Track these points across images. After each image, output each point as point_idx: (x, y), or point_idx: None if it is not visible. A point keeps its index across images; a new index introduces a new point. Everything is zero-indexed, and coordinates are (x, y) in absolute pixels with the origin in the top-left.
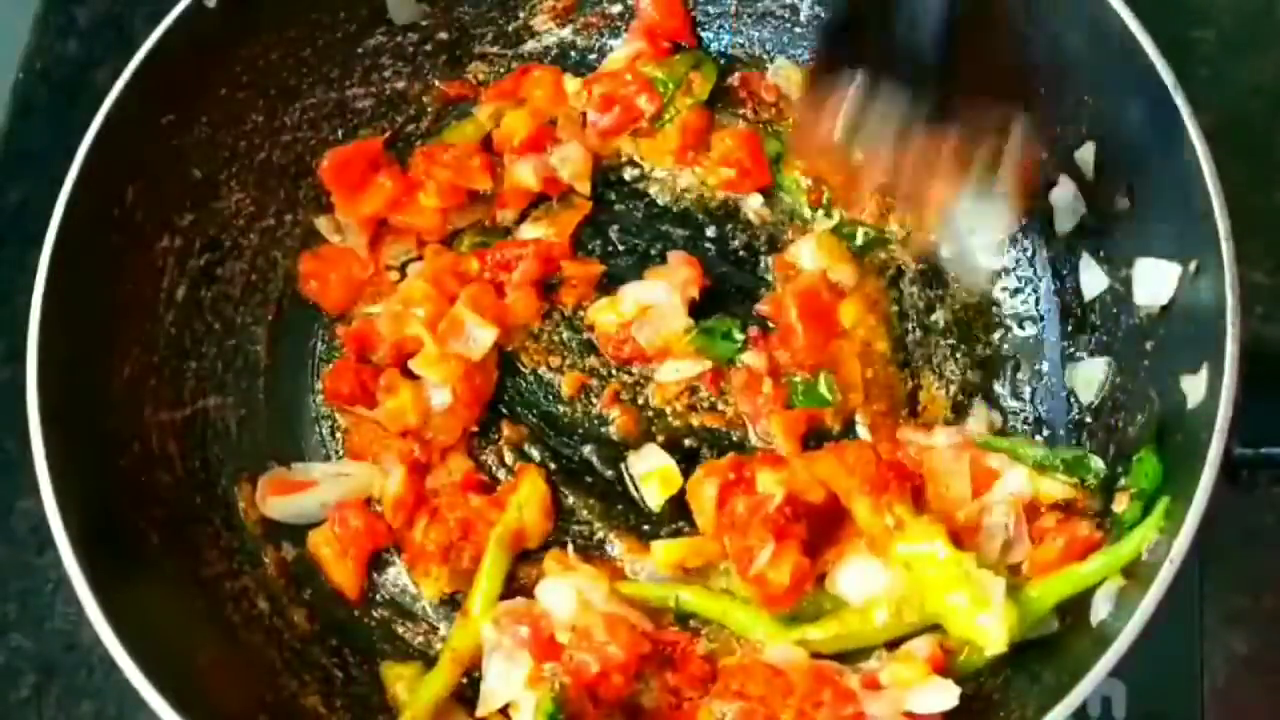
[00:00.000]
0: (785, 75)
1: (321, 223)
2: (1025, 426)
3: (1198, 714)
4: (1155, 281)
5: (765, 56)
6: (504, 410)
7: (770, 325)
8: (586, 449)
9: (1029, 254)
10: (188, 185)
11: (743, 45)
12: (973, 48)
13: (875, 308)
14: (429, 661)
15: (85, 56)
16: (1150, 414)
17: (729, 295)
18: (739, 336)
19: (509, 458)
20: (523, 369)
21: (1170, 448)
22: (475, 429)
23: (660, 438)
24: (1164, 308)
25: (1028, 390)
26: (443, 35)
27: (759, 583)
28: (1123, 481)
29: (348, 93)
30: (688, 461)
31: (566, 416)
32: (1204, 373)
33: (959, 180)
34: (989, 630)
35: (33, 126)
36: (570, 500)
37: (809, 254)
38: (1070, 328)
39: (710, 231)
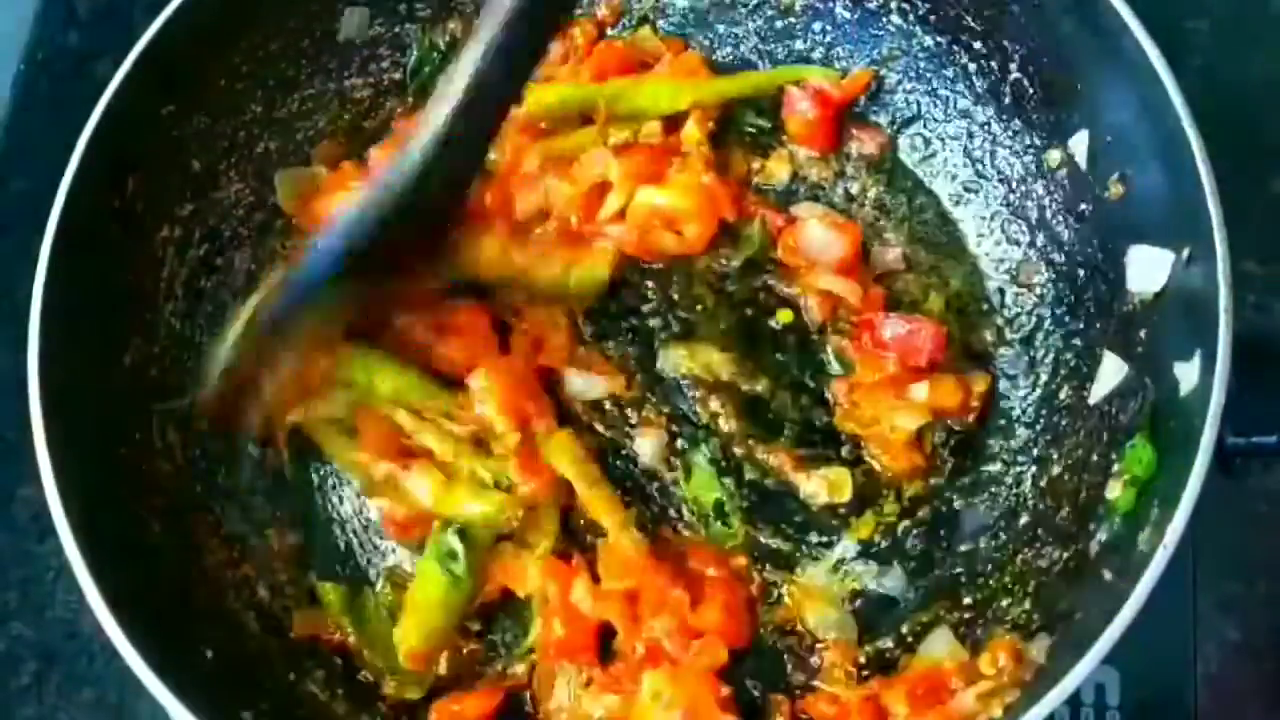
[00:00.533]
0: None
1: None
2: (1025, 416)
3: (1191, 700)
4: (1149, 268)
5: None
6: None
7: None
8: None
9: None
10: (187, 176)
11: None
12: None
13: None
14: None
15: (86, 48)
16: (1144, 401)
17: None
18: None
19: None
20: None
21: (1163, 434)
22: None
23: None
24: (1157, 294)
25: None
26: (441, 26)
27: None
28: (1116, 468)
29: (346, 83)
30: None
31: None
32: (1197, 360)
33: None
34: None
35: (34, 118)
36: None
37: None
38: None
39: None
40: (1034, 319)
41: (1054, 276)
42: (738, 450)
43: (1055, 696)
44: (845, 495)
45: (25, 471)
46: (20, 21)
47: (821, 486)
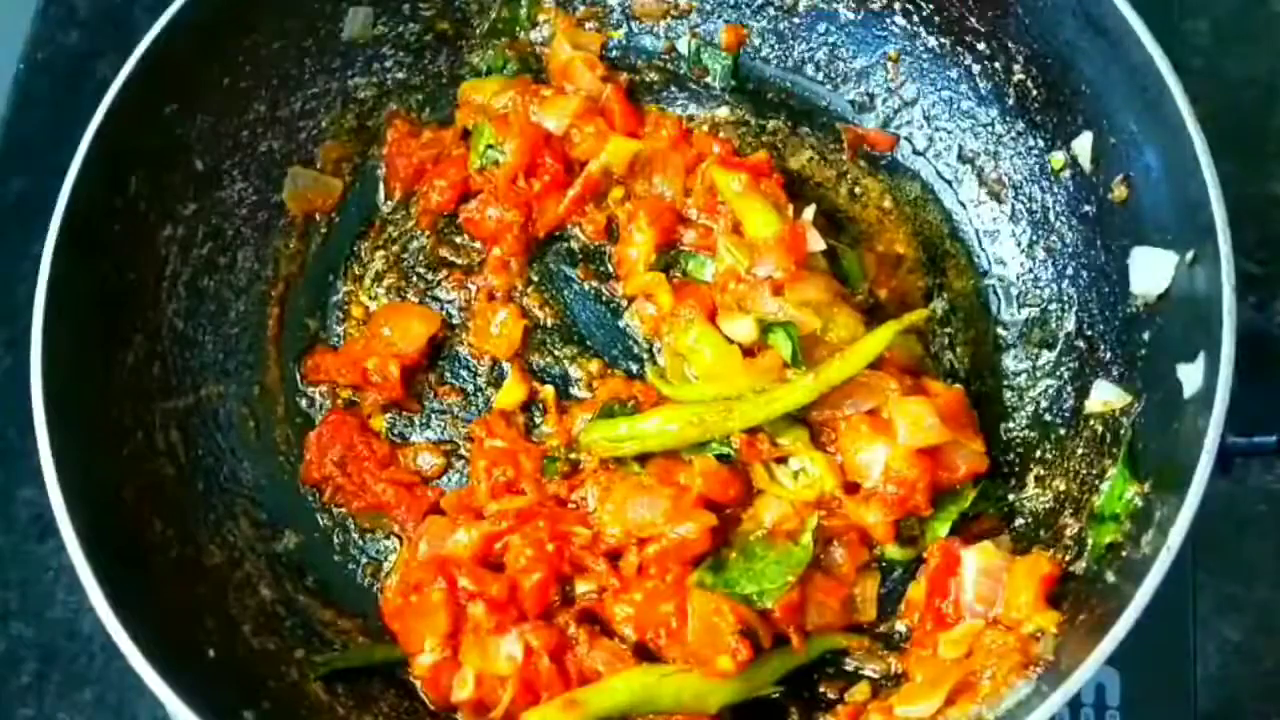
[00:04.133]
0: None
1: None
2: (1027, 419)
3: (1190, 700)
4: (1152, 270)
5: None
6: None
7: None
8: None
9: (1029, 243)
10: (190, 175)
11: None
12: None
13: None
14: None
15: (86, 48)
16: (1128, 427)
17: None
18: None
19: None
20: None
21: (1166, 436)
22: None
23: None
24: (1160, 296)
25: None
26: (444, 25)
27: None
28: (1098, 502)
29: (349, 83)
30: None
31: None
32: (1200, 361)
33: None
34: None
35: (34, 117)
36: None
37: None
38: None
39: None
40: (1037, 321)
41: (1057, 278)
42: None
43: (1059, 698)
44: None
45: (26, 472)
46: (20, 21)
47: None
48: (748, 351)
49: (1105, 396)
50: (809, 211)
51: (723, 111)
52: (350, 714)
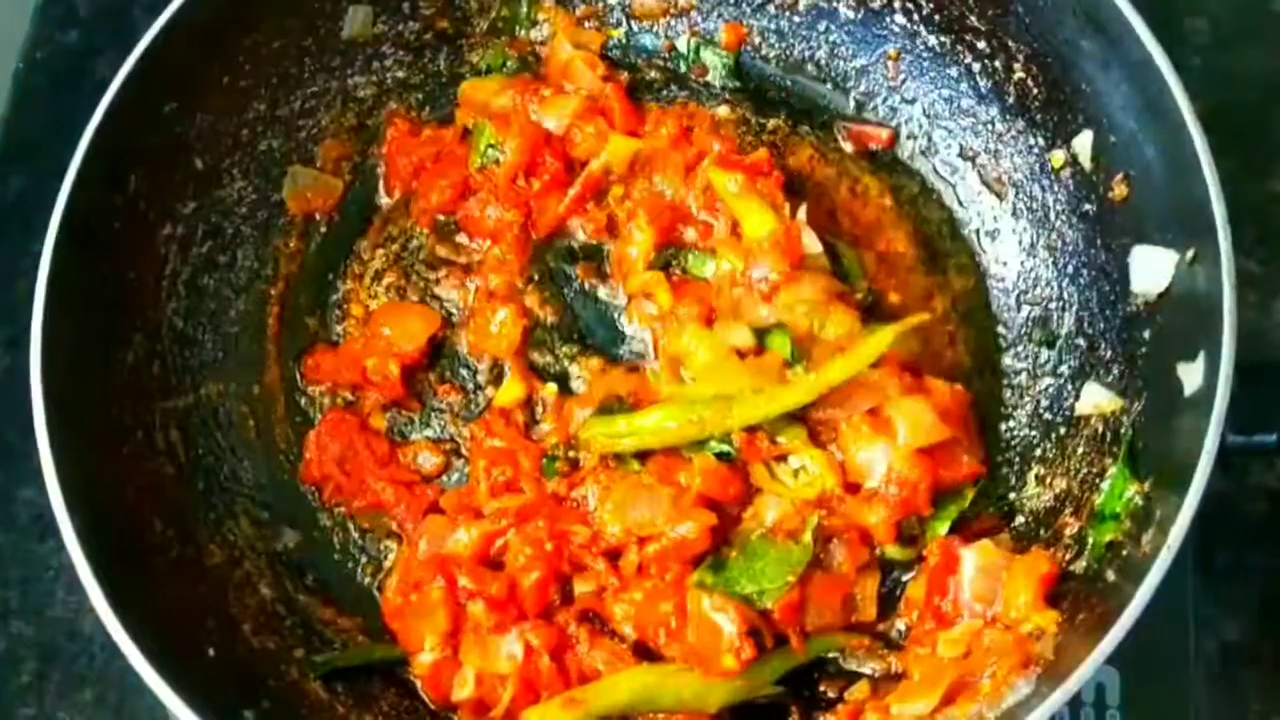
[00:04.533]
0: None
1: None
2: (1027, 419)
3: (1191, 700)
4: (1152, 268)
5: None
6: None
7: None
8: None
9: (1029, 242)
10: (190, 173)
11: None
12: None
13: None
14: None
15: (85, 46)
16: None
17: None
18: None
19: None
20: None
21: (1166, 435)
22: None
23: None
24: (1160, 295)
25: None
26: (443, 24)
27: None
28: (1098, 501)
29: (349, 81)
30: None
31: None
32: (1200, 360)
33: None
34: None
35: (33, 116)
36: None
37: None
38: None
39: None
40: (1038, 320)
41: (1058, 277)
42: None
43: (1059, 697)
44: None
45: (26, 472)
46: (19, 19)
47: None
48: (747, 353)
49: (1095, 399)
50: (801, 212)
51: (723, 110)
52: (350, 713)
